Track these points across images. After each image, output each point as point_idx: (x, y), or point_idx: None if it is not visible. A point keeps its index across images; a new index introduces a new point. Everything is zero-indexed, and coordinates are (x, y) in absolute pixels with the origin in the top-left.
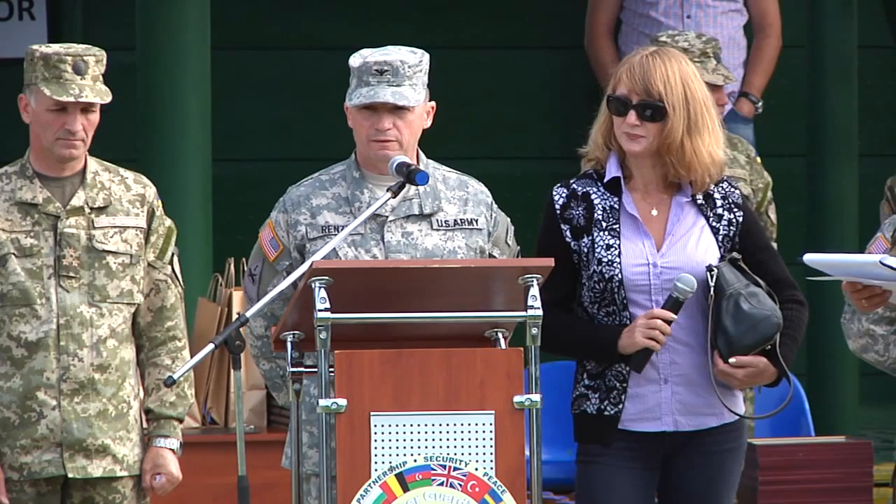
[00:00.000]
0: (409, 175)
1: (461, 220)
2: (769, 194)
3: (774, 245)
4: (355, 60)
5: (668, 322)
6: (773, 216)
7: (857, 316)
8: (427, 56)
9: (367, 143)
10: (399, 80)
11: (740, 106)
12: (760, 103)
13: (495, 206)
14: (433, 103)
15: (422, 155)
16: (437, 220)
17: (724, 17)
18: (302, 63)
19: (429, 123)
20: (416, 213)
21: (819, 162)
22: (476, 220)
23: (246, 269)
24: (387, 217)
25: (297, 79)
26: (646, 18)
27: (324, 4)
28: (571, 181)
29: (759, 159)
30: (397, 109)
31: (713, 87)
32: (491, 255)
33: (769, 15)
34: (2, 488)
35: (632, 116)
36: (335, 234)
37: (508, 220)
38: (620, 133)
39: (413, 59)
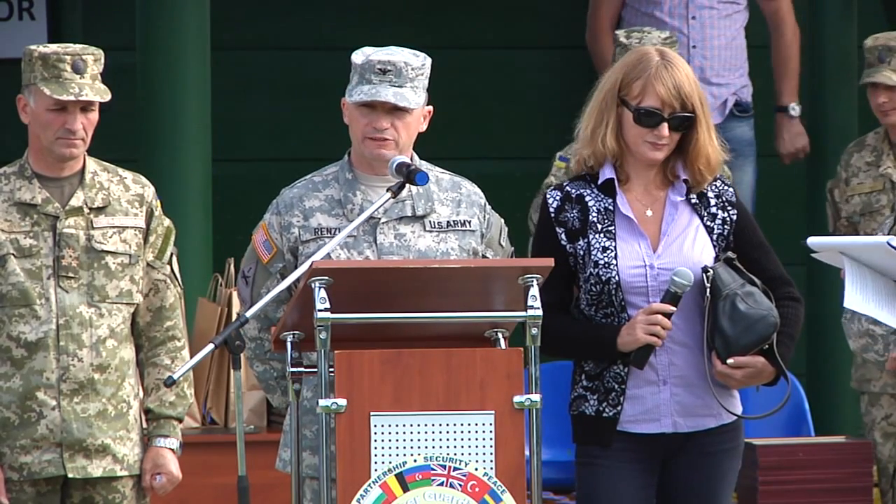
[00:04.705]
0: (409, 175)
1: (454, 221)
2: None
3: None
4: (358, 57)
5: (668, 316)
6: None
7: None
8: (429, 60)
9: (362, 141)
10: (401, 81)
11: (781, 121)
12: (798, 108)
13: (489, 207)
14: (430, 107)
15: (415, 156)
16: (430, 222)
17: (727, 20)
18: (302, 63)
19: (424, 127)
20: (409, 214)
21: (819, 161)
22: (469, 222)
23: (239, 270)
24: (379, 219)
25: (297, 79)
26: (650, 18)
27: (324, 4)
28: (565, 183)
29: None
30: (396, 110)
31: None
32: (484, 257)
33: (781, 10)
34: (1, 488)
35: (664, 129)
36: (328, 237)
37: (502, 221)
38: (642, 142)
39: (416, 62)
